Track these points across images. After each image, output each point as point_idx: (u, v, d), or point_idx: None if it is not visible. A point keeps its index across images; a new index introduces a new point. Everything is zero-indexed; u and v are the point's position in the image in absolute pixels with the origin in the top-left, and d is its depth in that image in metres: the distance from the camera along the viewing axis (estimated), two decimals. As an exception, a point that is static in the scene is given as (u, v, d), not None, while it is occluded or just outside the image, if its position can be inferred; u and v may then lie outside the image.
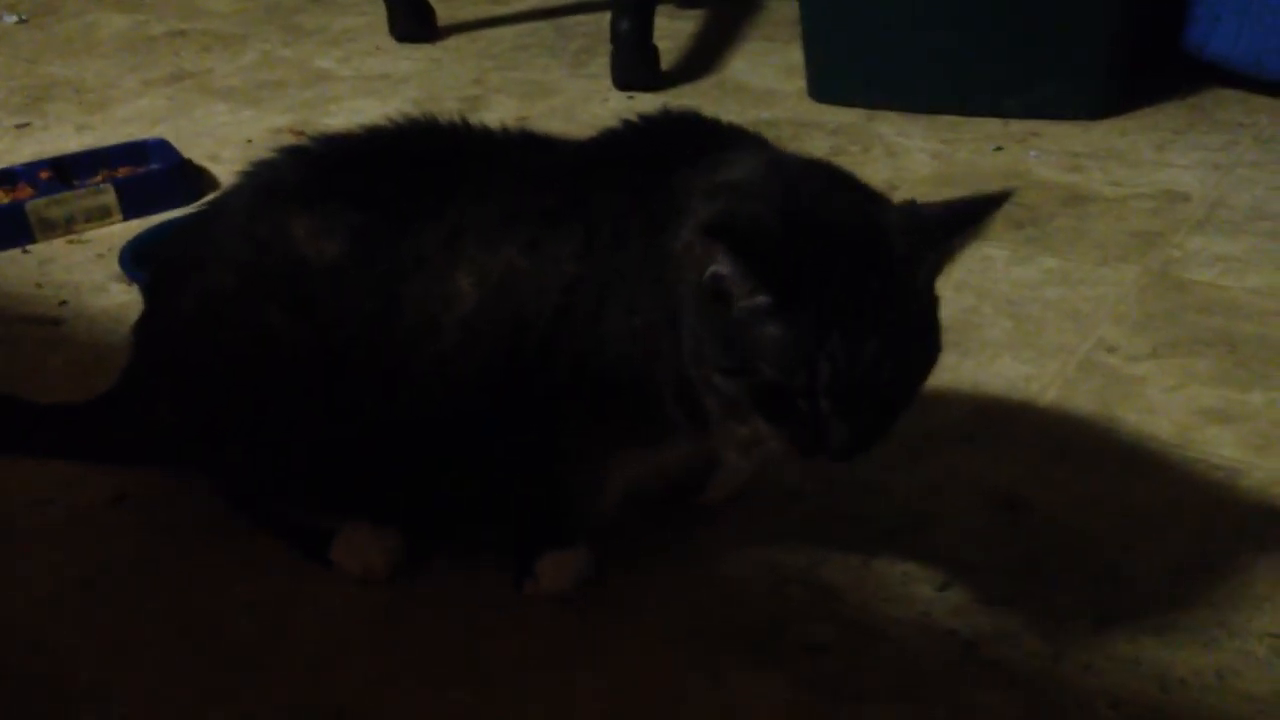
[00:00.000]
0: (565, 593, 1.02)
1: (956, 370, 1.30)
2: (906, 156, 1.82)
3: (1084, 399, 1.25)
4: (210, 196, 1.73)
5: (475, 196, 0.96)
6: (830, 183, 0.90)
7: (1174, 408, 1.22)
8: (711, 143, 0.94)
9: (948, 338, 1.33)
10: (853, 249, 0.82)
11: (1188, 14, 1.88)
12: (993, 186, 1.67)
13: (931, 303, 0.87)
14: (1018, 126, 1.88)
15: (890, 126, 1.92)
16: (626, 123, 0.98)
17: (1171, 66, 1.97)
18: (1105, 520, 1.08)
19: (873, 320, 0.80)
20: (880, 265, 0.82)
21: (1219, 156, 1.74)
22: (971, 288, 1.45)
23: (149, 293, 1.12)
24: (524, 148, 1.02)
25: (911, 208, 0.88)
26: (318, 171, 1.01)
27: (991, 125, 1.90)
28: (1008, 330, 1.37)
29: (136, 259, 1.45)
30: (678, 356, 0.88)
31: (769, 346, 0.81)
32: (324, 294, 0.96)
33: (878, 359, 0.81)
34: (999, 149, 1.82)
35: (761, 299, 0.81)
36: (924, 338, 0.86)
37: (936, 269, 0.86)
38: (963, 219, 0.84)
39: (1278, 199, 1.61)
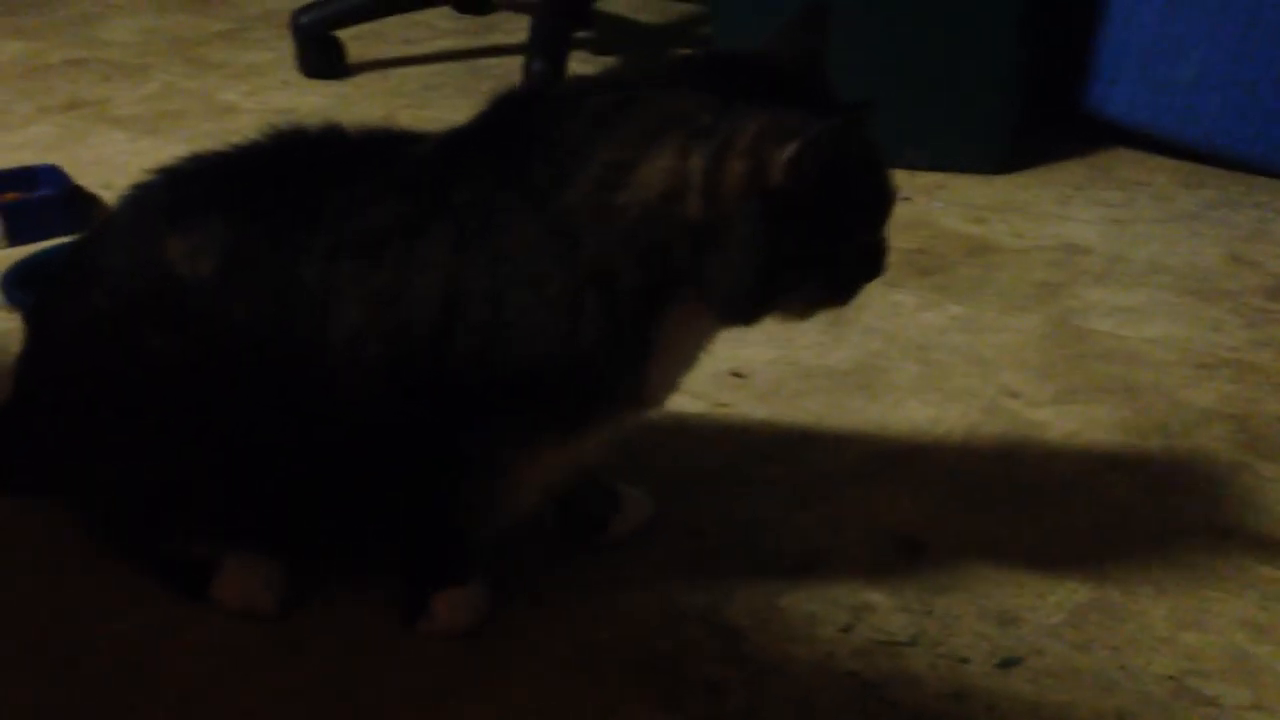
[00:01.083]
0: (461, 630, 0.99)
1: (863, 412, 1.30)
2: (815, 204, 1.83)
3: (987, 443, 1.25)
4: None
5: (345, 210, 0.92)
6: (715, 68, 0.91)
7: (1073, 453, 1.23)
8: (568, 100, 0.91)
9: (855, 380, 1.35)
10: (825, 106, 0.87)
11: (1087, 74, 1.93)
12: (901, 234, 1.69)
13: None
14: (924, 178, 1.91)
15: (799, 175, 1.93)
16: (478, 112, 0.95)
17: (1071, 124, 2.01)
18: (1005, 562, 1.07)
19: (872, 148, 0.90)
20: (833, 100, 0.90)
21: (1118, 212, 1.78)
22: (879, 332, 1.45)
23: (30, 323, 1.08)
24: (388, 147, 0.98)
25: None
26: (192, 189, 0.98)
27: (899, 175, 1.89)
28: (914, 374, 1.37)
29: (19, 284, 1.39)
30: (613, 303, 0.87)
31: (852, 213, 0.89)
32: (200, 313, 0.93)
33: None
34: (906, 199, 1.84)
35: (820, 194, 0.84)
36: None
37: None
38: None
39: (1174, 254, 1.65)
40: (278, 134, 0.99)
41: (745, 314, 0.90)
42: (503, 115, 0.94)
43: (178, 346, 0.94)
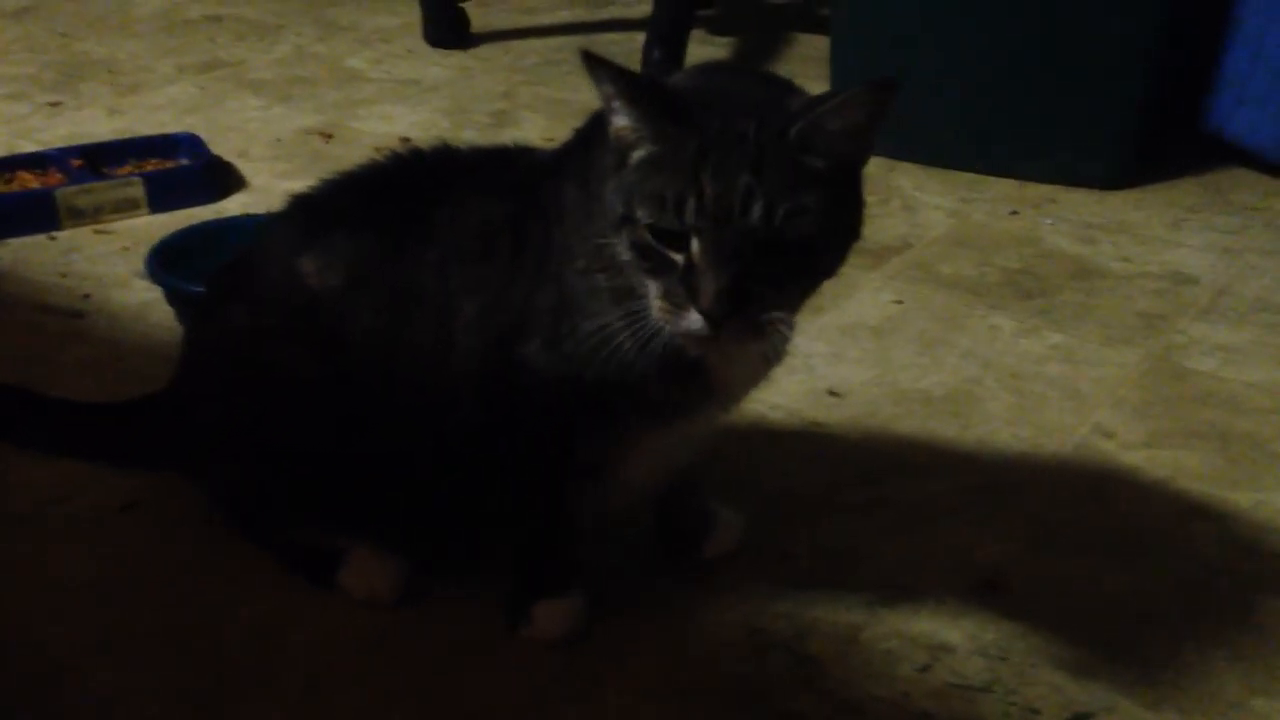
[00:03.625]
0: (558, 639, 1.06)
1: (955, 441, 1.33)
2: (923, 213, 1.85)
3: (1076, 483, 1.27)
4: (238, 202, 1.77)
5: (455, 218, 1.01)
6: (728, 68, 0.95)
7: (1162, 501, 1.25)
8: None
9: (949, 407, 1.38)
10: (733, 101, 0.86)
11: (1210, 94, 1.90)
12: (1007, 251, 1.72)
13: (829, 171, 0.85)
14: (1034, 191, 1.91)
15: (909, 180, 1.95)
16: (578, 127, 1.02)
17: (1191, 142, 1.99)
18: (1084, 610, 1.11)
19: (746, 159, 0.82)
20: (758, 115, 0.84)
21: (1230, 240, 1.77)
22: (977, 357, 1.48)
23: (187, 331, 1.18)
24: (496, 163, 1.06)
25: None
26: (320, 211, 1.06)
27: (1009, 187, 1.93)
28: (1008, 405, 1.40)
29: (161, 263, 1.48)
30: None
31: (648, 187, 0.84)
32: (331, 321, 1.01)
33: (749, 197, 0.81)
34: (1014, 213, 1.85)
35: (648, 149, 0.85)
36: (809, 197, 0.83)
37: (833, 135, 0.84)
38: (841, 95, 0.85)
39: (1283, 290, 1.64)
40: (395, 155, 1.08)
41: None
42: (591, 124, 0.99)
43: (311, 353, 1.03)
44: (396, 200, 1.04)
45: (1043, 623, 1.09)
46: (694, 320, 0.84)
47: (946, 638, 1.07)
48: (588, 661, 1.04)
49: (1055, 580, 1.14)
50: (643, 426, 1.00)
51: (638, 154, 0.86)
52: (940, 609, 1.11)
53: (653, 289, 0.86)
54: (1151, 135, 1.95)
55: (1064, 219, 1.83)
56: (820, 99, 0.86)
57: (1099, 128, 1.90)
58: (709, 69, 1.02)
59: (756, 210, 0.82)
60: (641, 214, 0.84)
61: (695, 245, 0.83)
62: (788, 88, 0.91)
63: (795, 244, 0.84)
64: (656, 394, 0.95)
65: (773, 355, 1.00)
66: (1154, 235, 1.79)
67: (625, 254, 0.87)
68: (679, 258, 0.84)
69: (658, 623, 1.08)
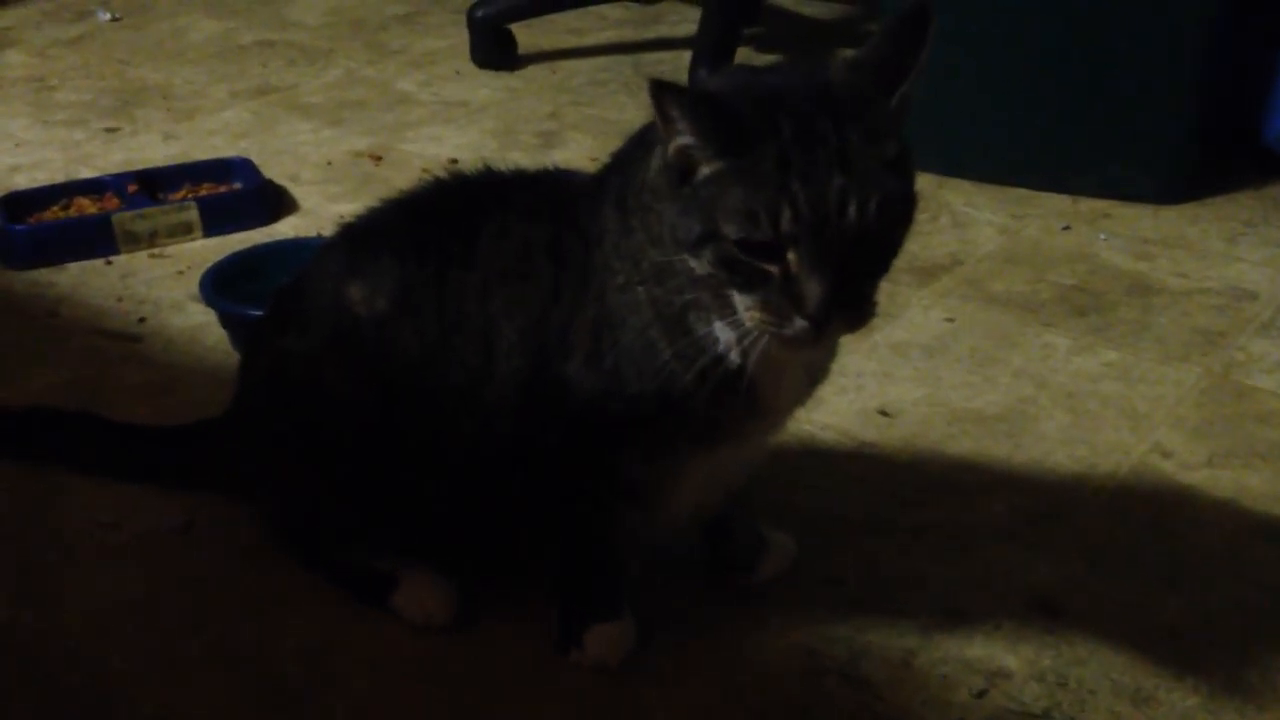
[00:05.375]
0: (610, 665, 1.05)
1: (1008, 462, 1.31)
2: (973, 229, 1.83)
3: (1134, 504, 1.25)
4: (290, 223, 1.79)
5: (499, 241, 1.01)
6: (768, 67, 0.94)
7: (1224, 522, 1.22)
8: None
9: (1003, 427, 1.37)
10: (797, 99, 0.83)
11: (1267, 108, 1.87)
12: (1060, 268, 1.70)
13: (898, 150, 0.84)
14: (1088, 205, 1.89)
15: (959, 196, 1.93)
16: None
17: (1247, 156, 1.96)
18: (1142, 635, 1.09)
19: (832, 159, 0.81)
20: (829, 109, 0.82)
21: (1290, 255, 1.74)
22: (1030, 376, 1.46)
23: (243, 356, 1.20)
24: (540, 186, 1.06)
25: (849, 59, 0.88)
26: (367, 238, 1.07)
27: (1062, 202, 1.90)
28: (1063, 425, 1.37)
29: (215, 286, 1.49)
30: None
31: (731, 203, 0.82)
32: (378, 346, 1.02)
33: (843, 197, 0.80)
34: (1067, 228, 1.82)
35: (720, 164, 0.83)
36: (892, 182, 0.83)
37: (895, 111, 0.84)
38: (904, 55, 0.84)
39: (1346, 305, 1.60)
40: (439, 181, 1.09)
41: None
42: (628, 147, 1.00)
43: (361, 379, 1.04)
44: (440, 226, 1.04)
45: (1102, 648, 1.07)
46: (799, 327, 0.82)
47: (1003, 663, 1.06)
48: (636, 687, 1.04)
49: (1114, 604, 1.12)
50: (688, 446, 0.99)
51: (705, 170, 0.84)
52: (996, 633, 1.09)
53: (743, 301, 0.84)
54: (1207, 149, 1.92)
55: (1118, 234, 1.80)
56: (866, 61, 0.85)
57: (1153, 141, 1.87)
58: (739, 70, 1.00)
59: (852, 210, 0.81)
60: (730, 230, 0.82)
61: (793, 254, 0.81)
62: (820, 64, 0.88)
63: (884, 231, 0.83)
64: (700, 409, 0.94)
65: (819, 373, 1.00)
66: (1211, 250, 1.76)
67: (707, 270, 0.85)
68: (773, 268, 0.82)
69: (707, 647, 1.08)
